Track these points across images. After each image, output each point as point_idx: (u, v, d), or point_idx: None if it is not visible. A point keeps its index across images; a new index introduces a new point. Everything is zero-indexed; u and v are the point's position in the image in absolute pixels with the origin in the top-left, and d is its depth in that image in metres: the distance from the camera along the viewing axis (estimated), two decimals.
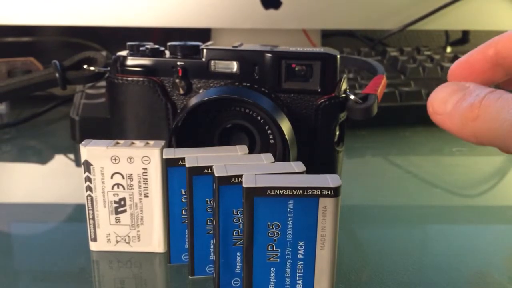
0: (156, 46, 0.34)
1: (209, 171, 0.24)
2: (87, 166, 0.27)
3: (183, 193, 0.26)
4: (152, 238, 0.29)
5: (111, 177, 0.28)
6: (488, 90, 0.21)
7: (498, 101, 0.20)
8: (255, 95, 0.31)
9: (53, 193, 0.39)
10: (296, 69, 0.32)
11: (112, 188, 0.28)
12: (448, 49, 0.72)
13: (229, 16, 0.61)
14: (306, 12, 0.62)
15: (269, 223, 0.22)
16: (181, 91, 0.33)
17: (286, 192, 0.22)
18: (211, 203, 0.25)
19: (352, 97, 0.32)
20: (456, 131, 0.21)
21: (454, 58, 0.62)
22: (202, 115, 0.31)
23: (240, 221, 0.23)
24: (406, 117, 0.55)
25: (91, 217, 0.28)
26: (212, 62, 0.33)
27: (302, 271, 0.23)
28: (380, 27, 0.66)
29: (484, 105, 0.20)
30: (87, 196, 0.28)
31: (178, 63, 0.33)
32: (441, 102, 0.22)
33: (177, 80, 0.33)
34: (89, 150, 0.27)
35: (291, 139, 0.30)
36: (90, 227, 0.29)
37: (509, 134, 0.19)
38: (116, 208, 0.28)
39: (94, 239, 0.29)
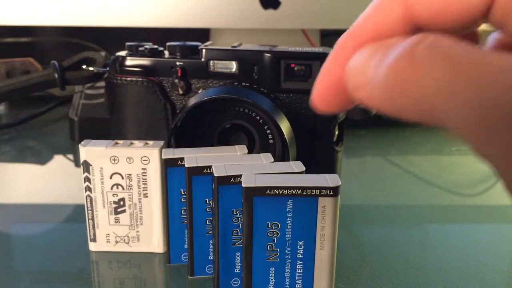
0: (155, 46, 0.34)
1: (209, 171, 0.24)
2: (86, 166, 0.27)
3: (182, 193, 0.26)
4: (152, 238, 0.29)
5: (111, 177, 0.28)
6: (418, 37, 0.14)
7: (432, 50, 0.13)
8: (254, 95, 0.31)
9: (52, 193, 0.39)
10: (295, 69, 0.32)
11: (112, 188, 0.28)
12: None
13: (228, 16, 0.61)
14: (305, 12, 0.62)
15: (269, 223, 0.22)
16: (180, 91, 0.33)
17: (285, 191, 0.22)
18: (210, 203, 0.25)
19: None
20: (384, 107, 0.14)
21: None
22: (201, 115, 0.31)
23: (240, 221, 0.23)
24: None
25: (90, 217, 0.28)
26: (211, 62, 0.33)
27: (301, 271, 0.23)
28: None
29: (419, 62, 0.13)
30: (86, 197, 0.28)
31: (177, 63, 0.33)
32: (360, 72, 0.15)
33: (176, 80, 0.33)
34: (88, 150, 0.27)
35: (290, 139, 0.30)
36: (89, 228, 0.29)
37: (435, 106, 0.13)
38: (115, 209, 0.28)
39: (94, 240, 0.29)
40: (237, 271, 0.24)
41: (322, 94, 0.17)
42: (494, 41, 0.17)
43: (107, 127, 0.36)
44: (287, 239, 0.22)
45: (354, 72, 0.15)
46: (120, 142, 0.28)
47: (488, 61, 0.12)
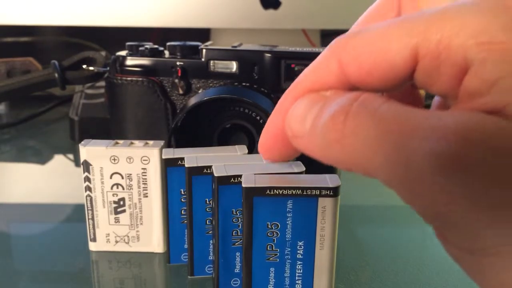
0: (156, 46, 0.34)
1: (209, 171, 0.24)
2: (87, 166, 0.27)
3: (182, 193, 0.26)
4: (152, 238, 0.29)
5: (111, 177, 0.28)
6: (353, 95, 0.15)
7: (364, 112, 0.14)
8: (254, 95, 0.31)
9: (52, 193, 0.39)
10: (296, 69, 0.32)
11: (112, 188, 0.28)
12: None
13: (229, 16, 0.61)
14: (306, 12, 0.62)
15: (269, 223, 0.22)
16: (181, 91, 0.33)
17: (285, 192, 0.22)
18: (210, 203, 0.25)
19: None
20: (320, 156, 0.16)
21: None
22: (202, 115, 0.31)
23: (240, 221, 0.23)
24: None
25: (90, 217, 0.28)
26: (212, 62, 0.33)
27: (301, 271, 0.23)
28: None
29: (352, 118, 0.14)
30: (86, 196, 0.28)
31: (178, 63, 0.33)
32: (299, 121, 0.17)
33: (176, 80, 0.33)
34: (89, 150, 0.27)
35: None
36: (89, 227, 0.29)
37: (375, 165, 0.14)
38: (115, 208, 0.28)
39: (94, 239, 0.29)
40: (237, 271, 0.24)
41: (267, 143, 0.19)
42: (436, 103, 0.20)
43: (107, 127, 0.36)
44: (287, 239, 0.22)
45: (293, 121, 0.17)
46: (120, 142, 0.28)
47: (410, 118, 0.14)
